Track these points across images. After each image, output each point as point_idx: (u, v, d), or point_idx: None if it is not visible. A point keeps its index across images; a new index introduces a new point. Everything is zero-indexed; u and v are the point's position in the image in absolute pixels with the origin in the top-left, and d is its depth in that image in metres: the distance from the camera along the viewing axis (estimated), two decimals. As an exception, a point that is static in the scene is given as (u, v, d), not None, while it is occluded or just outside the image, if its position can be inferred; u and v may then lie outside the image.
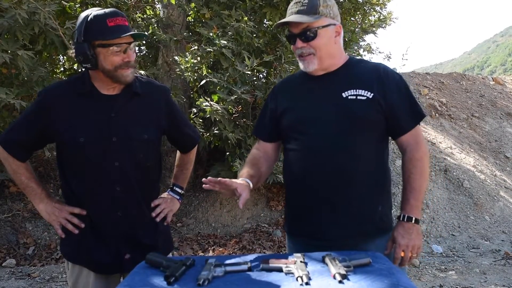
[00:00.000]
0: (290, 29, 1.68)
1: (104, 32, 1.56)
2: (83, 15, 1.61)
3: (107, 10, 1.61)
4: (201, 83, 4.61)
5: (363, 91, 1.65)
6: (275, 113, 1.80)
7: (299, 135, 1.71)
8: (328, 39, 1.66)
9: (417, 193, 1.67)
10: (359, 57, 1.84)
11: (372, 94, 1.65)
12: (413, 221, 1.64)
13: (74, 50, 1.63)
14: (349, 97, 1.65)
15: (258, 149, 1.89)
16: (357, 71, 1.72)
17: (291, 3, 1.68)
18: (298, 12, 1.63)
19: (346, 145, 1.64)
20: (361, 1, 5.70)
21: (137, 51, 1.68)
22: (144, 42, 5.57)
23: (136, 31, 1.64)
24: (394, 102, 1.67)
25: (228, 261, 1.45)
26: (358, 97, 1.65)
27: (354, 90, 1.66)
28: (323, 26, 1.64)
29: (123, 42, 1.60)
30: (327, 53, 1.67)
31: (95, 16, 1.57)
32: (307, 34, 1.63)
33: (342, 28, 1.73)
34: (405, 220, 1.65)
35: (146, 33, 1.64)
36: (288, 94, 1.80)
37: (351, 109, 1.64)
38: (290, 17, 1.65)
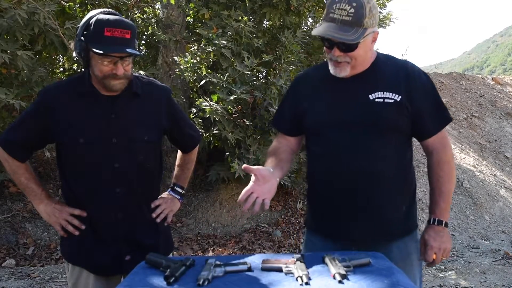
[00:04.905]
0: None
1: (98, 41, 1.53)
2: (90, 14, 1.61)
3: (111, 17, 1.57)
4: (201, 83, 4.61)
5: (391, 93, 1.61)
6: (297, 109, 1.75)
7: (323, 136, 1.68)
8: (365, 49, 1.59)
9: (446, 197, 1.67)
10: (387, 54, 1.78)
11: (400, 97, 1.60)
12: (443, 225, 1.66)
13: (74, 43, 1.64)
14: (376, 100, 1.61)
15: (279, 141, 1.84)
16: (384, 72, 1.66)
17: (333, 5, 1.53)
18: (342, 22, 1.50)
19: (371, 147, 1.62)
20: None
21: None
22: (143, 42, 5.58)
23: (132, 50, 1.58)
24: (421, 105, 1.63)
25: (228, 261, 1.45)
26: (386, 100, 1.60)
27: (382, 93, 1.61)
28: (364, 37, 1.54)
29: (114, 56, 1.56)
30: (361, 61, 1.61)
31: (97, 21, 1.55)
32: (348, 46, 1.54)
33: None
34: (436, 223, 1.66)
35: (138, 52, 1.60)
36: (311, 91, 1.73)
37: (378, 113, 1.60)
38: (331, 29, 1.52)
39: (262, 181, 1.53)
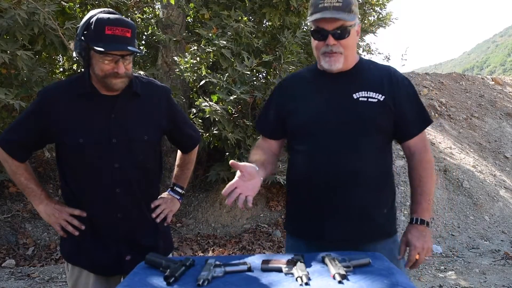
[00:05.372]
0: (320, 25, 1.61)
1: (99, 40, 1.54)
2: (90, 13, 1.61)
3: (112, 16, 1.57)
4: (201, 84, 4.61)
5: (374, 93, 1.64)
6: (281, 110, 1.77)
7: (307, 135, 1.69)
8: (354, 39, 1.65)
9: (428, 196, 1.69)
10: (368, 58, 1.85)
11: (383, 97, 1.64)
12: (425, 224, 1.66)
13: (74, 44, 1.63)
14: (360, 99, 1.64)
15: (262, 144, 1.86)
16: (368, 73, 1.71)
17: None
18: (334, 8, 1.56)
19: (354, 146, 1.64)
20: (361, 1, 5.71)
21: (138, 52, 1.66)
22: (143, 42, 5.57)
23: (133, 48, 1.59)
24: (404, 107, 1.67)
25: (227, 262, 1.45)
26: (369, 99, 1.64)
27: (366, 92, 1.65)
28: (353, 25, 1.62)
29: (115, 54, 1.57)
30: (352, 52, 1.66)
31: (97, 20, 1.55)
32: (340, 32, 1.59)
33: None
34: (418, 223, 1.66)
35: (139, 51, 1.61)
36: (297, 92, 1.76)
37: (361, 111, 1.63)
38: (328, 13, 1.57)
39: (247, 177, 1.54)
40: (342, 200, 1.65)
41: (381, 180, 1.70)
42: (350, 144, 1.64)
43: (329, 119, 1.66)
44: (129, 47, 1.56)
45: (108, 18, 1.56)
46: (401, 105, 1.67)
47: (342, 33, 1.59)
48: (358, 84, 1.67)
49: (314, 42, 1.66)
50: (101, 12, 1.60)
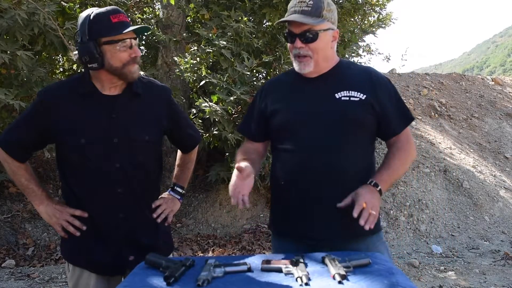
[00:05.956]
0: (290, 28, 1.67)
1: (110, 29, 1.56)
2: (83, 14, 1.61)
3: (108, 8, 1.61)
4: (201, 84, 4.61)
5: (356, 92, 1.67)
6: (264, 112, 1.79)
7: (291, 135, 1.71)
8: (326, 43, 1.67)
9: (392, 173, 1.69)
10: (348, 60, 1.88)
11: (365, 96, 1.66)
12: (378, 189, 1.61)
13: (77, 51, 1.62)
14: (342, 98, 1.67)
15: (247, 147, 1.89)
16: (349, 73, 1.74)
17: (294, 1, 1.66)
18: (302, 12, 1.62)
19: (338, 145, 1.66)
20: (361, 1, 5.70)
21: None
22: (143, 42, 5.58)
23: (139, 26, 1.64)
24: (385, 106, 1.70)
25: (227, 262, 1.45)
26: (351, 98, 1.66)
27: (347, 92, 1.67)
28: (324, 30, 1.64)
29: (129, 38, 1.60)
30: (323, 56, 1.68)
31: (98, 14, 1.57)
32: (308, 36, 1.63)
33: (342, 29, 1.74)
34: (372, 184, 1.62)
35: (149, 26, 1.67)
36: (279, 94, 1.79)
37: (344, 110, 1.66)
38: (293, 16, 1.63)
39: (245, 177, 1.57)
40: (326, 199, 1.65)
41: (365, 178, 1.69)
42: (334, 143, 1.65)
43: (312, 118, 1.68)
44: (136, 26, 1.61)
45: (107, 10, 1.59)
46: (383, 104, 1.69)
47: (310, 37, 1.63)
48: (339, 84, 1.70)
49: (288, 45, 1.72)
50: (92, 9, 1.61)
